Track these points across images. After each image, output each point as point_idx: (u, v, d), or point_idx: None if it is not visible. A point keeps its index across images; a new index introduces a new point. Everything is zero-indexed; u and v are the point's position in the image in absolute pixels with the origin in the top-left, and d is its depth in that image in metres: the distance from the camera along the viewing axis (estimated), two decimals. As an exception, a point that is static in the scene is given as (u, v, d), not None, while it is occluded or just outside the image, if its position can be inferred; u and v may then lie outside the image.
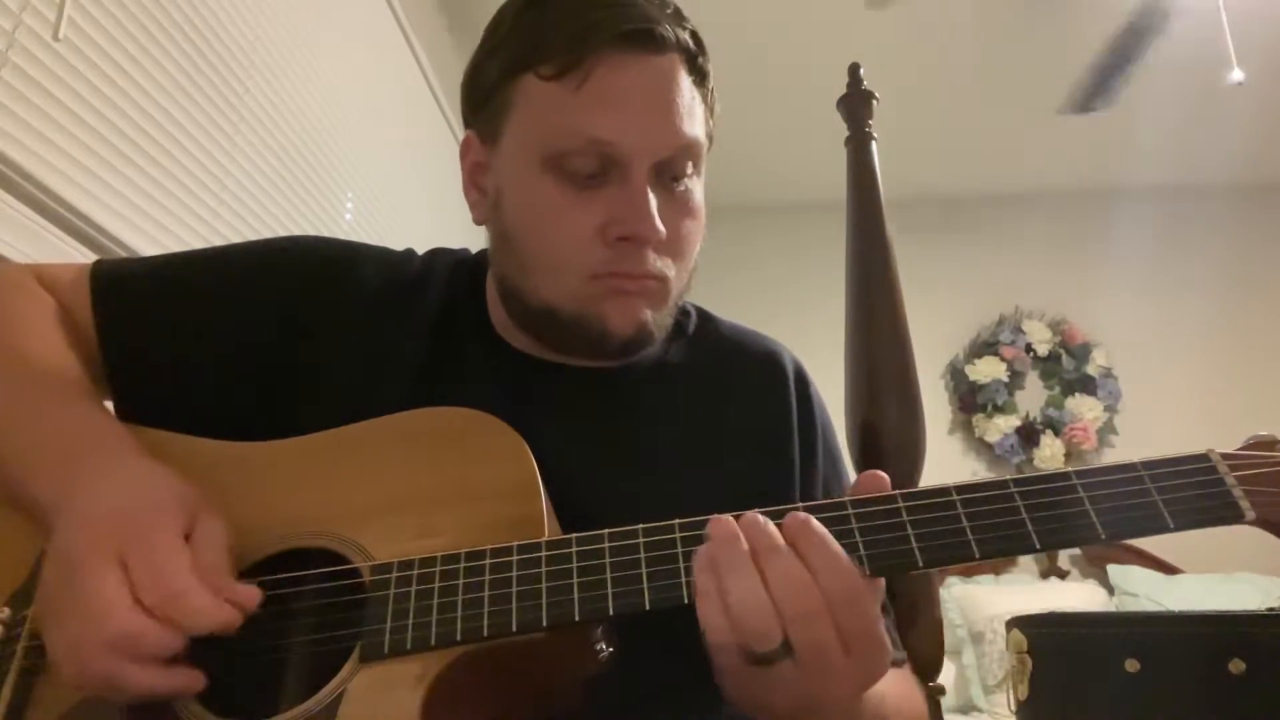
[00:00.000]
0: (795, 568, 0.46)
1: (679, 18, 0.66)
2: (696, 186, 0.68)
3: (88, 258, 1.24)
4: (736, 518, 0.50)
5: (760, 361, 0.76)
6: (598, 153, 0.62)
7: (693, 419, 0.71)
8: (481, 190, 0.70)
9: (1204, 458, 0.50)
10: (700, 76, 0.67)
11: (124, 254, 1.29)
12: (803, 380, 0.77)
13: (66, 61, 1.16)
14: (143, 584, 0.48)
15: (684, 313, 0.77)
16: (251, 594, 0.51)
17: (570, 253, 0.63)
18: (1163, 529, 0.48)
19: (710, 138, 0.69)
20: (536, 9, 0.65)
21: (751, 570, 0.46)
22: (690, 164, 0.66)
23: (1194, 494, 0.48)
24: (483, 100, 0.68)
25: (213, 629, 0.49)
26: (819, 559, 0.47)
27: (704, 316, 0.80)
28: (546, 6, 0.64)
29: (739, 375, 0.75)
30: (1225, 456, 0.50)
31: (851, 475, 0.79)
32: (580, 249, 0.63)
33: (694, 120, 0.65)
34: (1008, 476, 0.50)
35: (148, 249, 1.33)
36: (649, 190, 0.62)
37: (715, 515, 0.49)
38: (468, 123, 0.71)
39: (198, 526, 0.52)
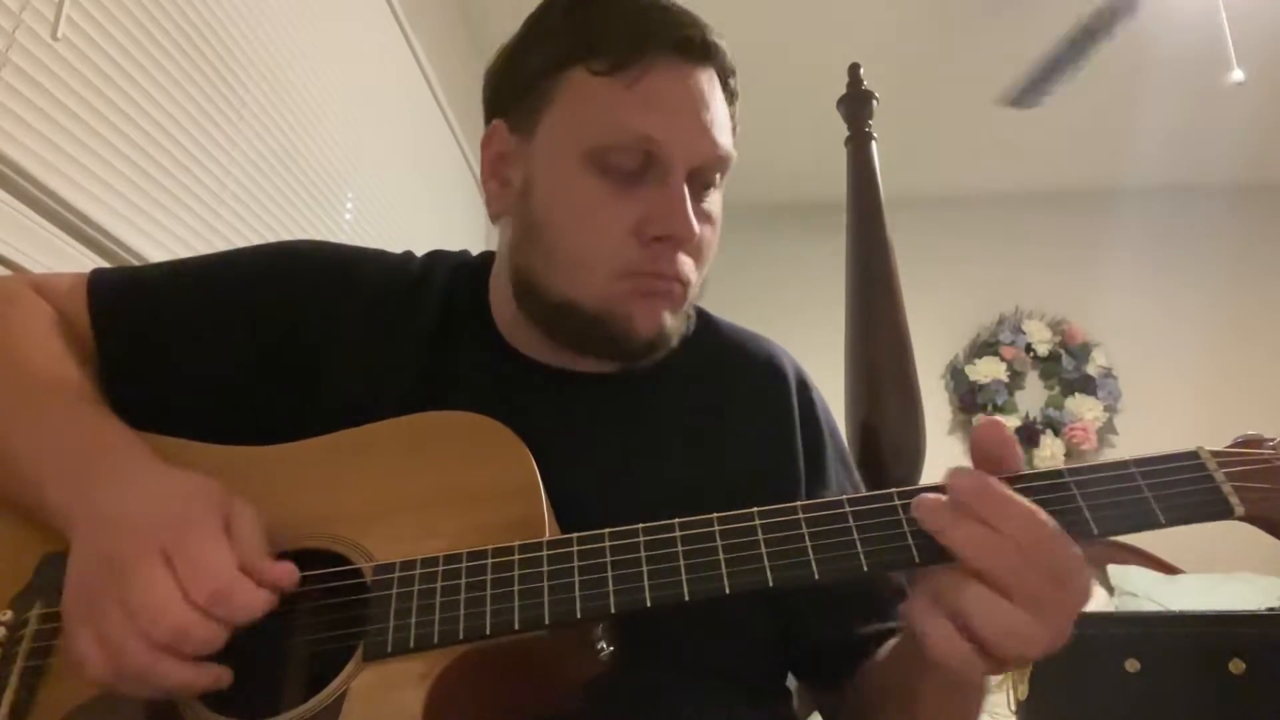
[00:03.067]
0: (981, 530, 0.46)
1: (719, 37, 0.68)
2: (718, 199, 0.69)
3: (88, 258, 1.24)
4: (732, 520, 0.50)
5: (761, 365, 0.76)
6: (641, 150, 0.63)
7: (693, 422, 0.71)
8: (503, 181, 0.70)
9: (1193, 455, 0.51)
10: (731, 96, 0.69)
11: (123, 253, 1.29)
12: (805, 385, 0.77)
13: (66, 61, 1.17)
14: (192, 582, 0.48)
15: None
16: (289, 572, 0.52)
17: (603, 249, 0.64)
18: (1154, 524, 0.49)
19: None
20: (589, 6, 0.66)
21: (989, 593, 0.45)
22: (718, 175, 0.67)
23: (1184, 490, 0.49)
24: (521, 90, 0.68)
25: (259, 616, 0.50)
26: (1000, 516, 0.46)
27: (704, 318, 0.79)
28: (601, 4, 0.66)
29: (740, 378, 0.75)
30: (1214, 454, 0.51)
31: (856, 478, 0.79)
32: (614, 246, 0.63)
33: (727, 134, 0.67)
34: (1001, 475, 0.51)
35: (147, 249, 1.33)
36: (686, 192, 0.63)
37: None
38: (495, 113, 0.71)
39: (231, 516, 0.52)
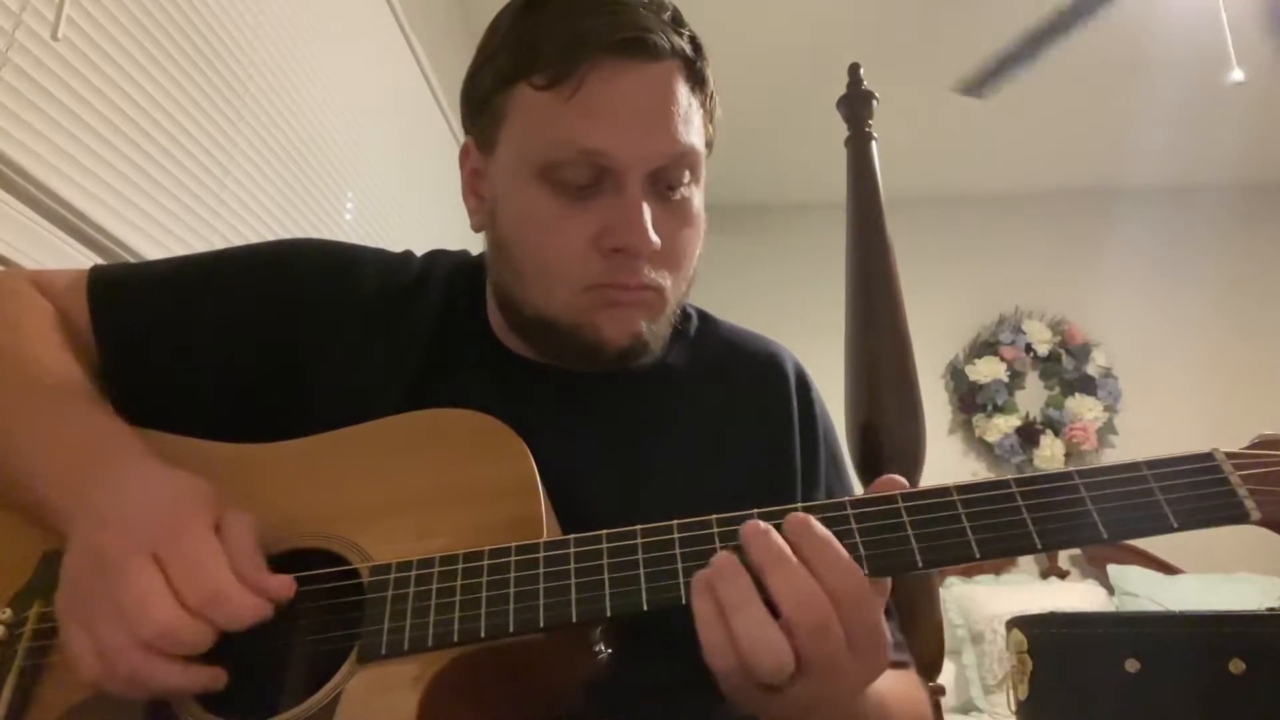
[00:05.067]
0: (801, 578, 0.46)
1: (676, 23, 0.65)
2: (694, 195, 0.67)
3: (88, 258, 1.24)
4: (732, 521, 0.50)
5: (761, 364, 0.76)
6: (591, 163, 0.61)
7: (693, 421, 0.71)
8: (479, 197, 0.70)
9: (1208, 457, 0.49)
10: (698, 83, 0.66)
11: (123, 253, 1.29)
12: (804, 384, 0.76)
13: (66, 61, 1.16)
14: (183, 582, 0.48)
15: (685, 315, 0.77)
16: (285, 585, 0.51)
17: (564, 264, 0.63)
18: (1166, 529, 0.47)
19: (710, 144, 0.68)
20: (530, 17, 0.64)
21: (758, 604, 0.45)
22: (687, 172, 0.65)
23: (1198, 494, 0.48)
24: (479, 108, 0.67)
25: (250, 624, 0.49)
26: (823, 562, 0.47)
27: (705, 319, 0.79)
28: (540, 15, 0.63)
29: (740, 378, 0.74)
30: (1230, 456, 0.49)
31: (853, 478, 0.79)
32: (574, 260, 0.62)
33: (690, 128, 0.64)
34: (1009, 477, 0.50)
35: (147, 249, 1.33)
36: (643, 201, 0.61)
37: (720, 550, 0.48)
38: (466, 130, 0.71)
39: (225, 520, 0.52)
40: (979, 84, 2.61)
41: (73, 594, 0.50)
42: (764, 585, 0.46)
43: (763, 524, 0.48)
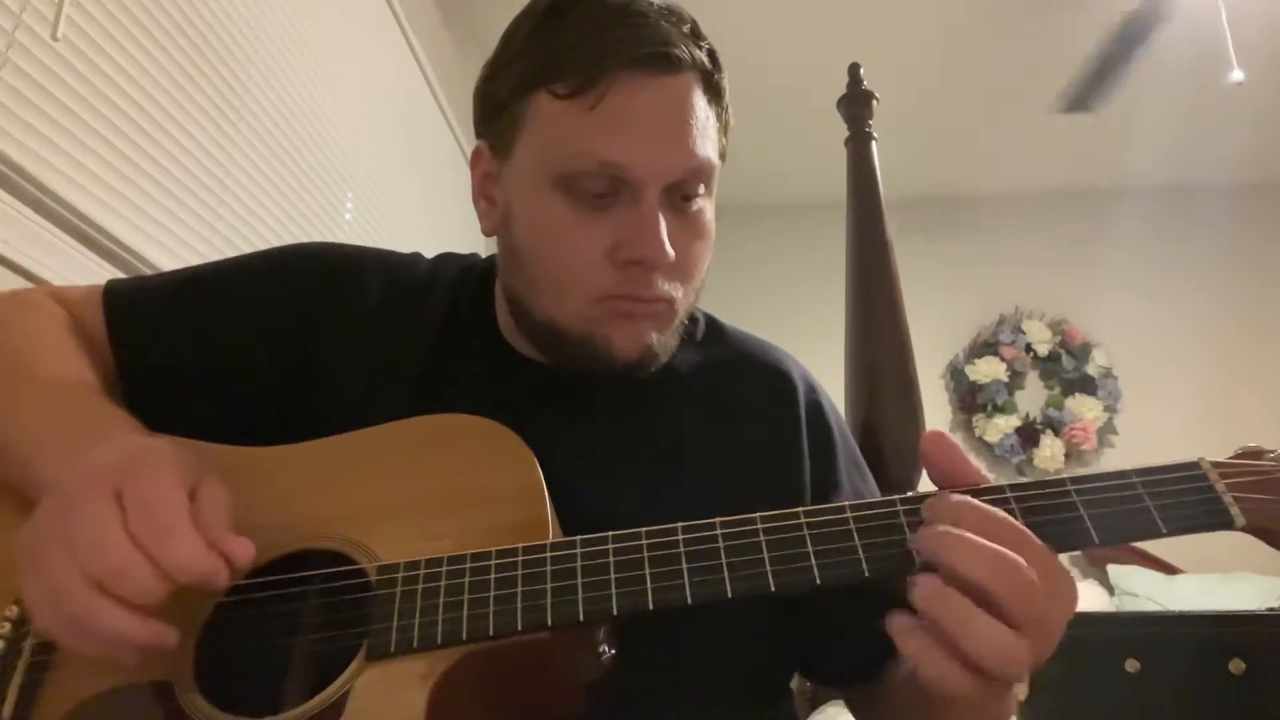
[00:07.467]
0: (986, 547, 0.45)
1: (696, 35, 0.65)
2: (707, 206, 0.67)
3: (87, 258, 1.24)
4: (736, 524, 0.50)
5: (768, 371, 0.76)
6: (608, 175, 0.61)
7: (698, 426, 0.71)
8: (491, 201, 0.70)
9: (1194, 465, 0.51)
10: (715, 95, 0.66)
11: (123, 253, 1.30)
12: (812, 390, 0.76)
13: (66, 61, 1.17)
14: (136, 520, 0.47)
15: (692, 320, 0.77)
16: (244, 548, 0.50)
17: (578, 273, 0.63)
18: (1155, 534, 0.49)
19: (723, 155, 0.68)
20: (552, 25, 0.64)
21: (982, 615, 0.44)
22: (701, 185, 0.65)
23: (1185, 500, 0.50)
24: (495, 113, 0.67)
25: (196, 575, 0.48)
26: (982, 524, 0.46)
27: (712, 324, 0.79)
28: (563, 23, 0.63)
29: (746, 384, 0.74)
30: (1215, 465, 0.51)
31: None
32: (588, 270, 0.62)
33: (707, 141, 0.64)
34: (1004, 483, 0.51)
35: (147, 248, 1.33)
36: (659, 213, 0.62)
37: (919, 576, 0.46)
38: (479, 133, 0.71)
39: (201, 486, 0.52)
40: (1084, 98, 2.60)
41: (31, 539, 0.49)
42: (956, 574, 0.45)
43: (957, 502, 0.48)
